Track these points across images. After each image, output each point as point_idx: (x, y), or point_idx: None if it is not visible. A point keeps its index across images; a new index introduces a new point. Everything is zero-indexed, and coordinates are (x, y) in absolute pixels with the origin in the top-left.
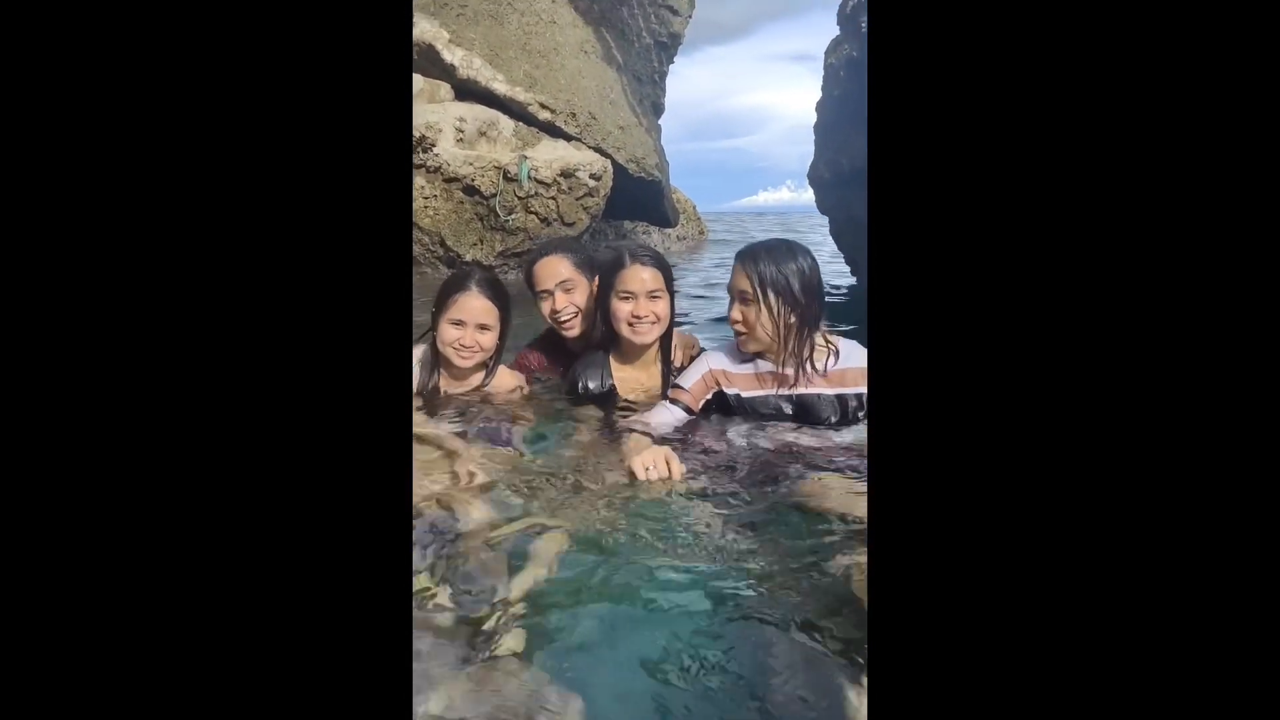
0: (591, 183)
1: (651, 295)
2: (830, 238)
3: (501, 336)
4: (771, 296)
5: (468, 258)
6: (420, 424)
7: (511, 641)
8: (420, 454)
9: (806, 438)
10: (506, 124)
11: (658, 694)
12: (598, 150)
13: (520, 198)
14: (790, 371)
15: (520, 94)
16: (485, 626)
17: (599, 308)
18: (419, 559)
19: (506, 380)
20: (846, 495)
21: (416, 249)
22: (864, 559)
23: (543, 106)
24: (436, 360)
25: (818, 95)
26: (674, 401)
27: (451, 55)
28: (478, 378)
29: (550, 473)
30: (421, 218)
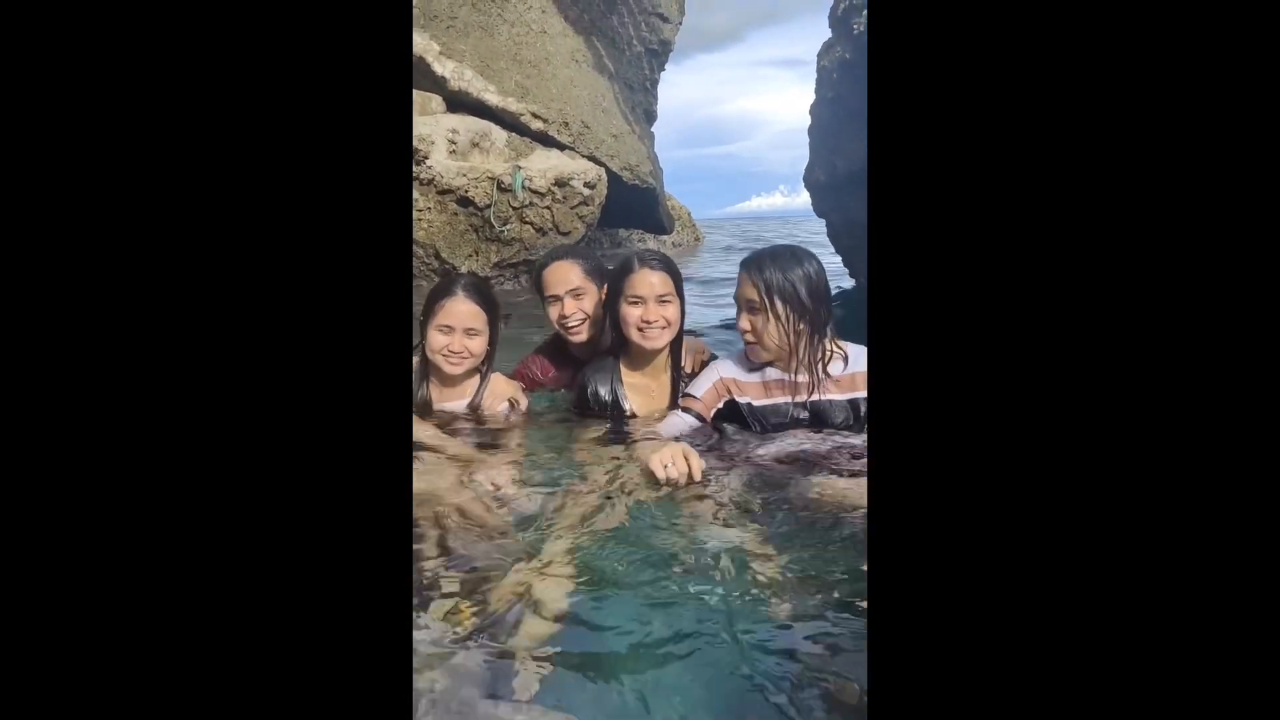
0: (586, 191)
1: (661, 300)
2: (828, 239)
3: (491, 342)
4: (779, 304)
5: (463, 270)
6: (433, 436)
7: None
8: (433, 463)
9: (820, 443)
10: (499, 135)
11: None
12: (591, 159)
13: (515, 208)
14: (804, 379)
15: (512, 104)
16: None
17: (608, 313)
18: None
19: (501, 388)
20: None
21: (412, 262)
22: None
23: (535, 116)
24: (426, 370)
25: (808, 99)
26: (686, 410)
27: (442, 67)
28: (471, 385)
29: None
30: (416, 230)
